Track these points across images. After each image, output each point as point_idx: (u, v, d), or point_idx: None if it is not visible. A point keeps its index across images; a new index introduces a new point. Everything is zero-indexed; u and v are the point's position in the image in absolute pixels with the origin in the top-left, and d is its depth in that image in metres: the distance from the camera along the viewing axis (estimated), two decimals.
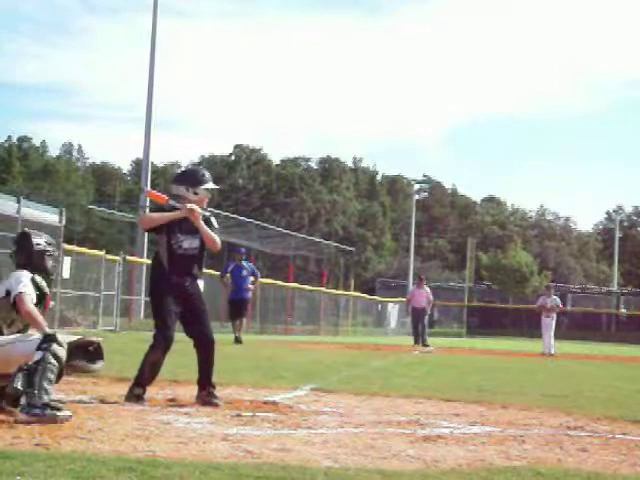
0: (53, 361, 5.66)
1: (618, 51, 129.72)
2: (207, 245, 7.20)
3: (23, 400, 5.50)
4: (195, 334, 7.24)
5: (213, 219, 7.31)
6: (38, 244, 6.30)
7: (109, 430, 5.38)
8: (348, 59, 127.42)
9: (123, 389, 7.23)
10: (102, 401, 6.89)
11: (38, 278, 6.19)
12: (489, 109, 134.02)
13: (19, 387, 5.52)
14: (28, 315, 5.94)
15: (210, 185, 7.32)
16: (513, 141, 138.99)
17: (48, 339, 5.73)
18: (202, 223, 7.10)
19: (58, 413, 5.47)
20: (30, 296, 6.01)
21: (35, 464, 4.03)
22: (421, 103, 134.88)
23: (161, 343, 7.06)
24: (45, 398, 5.51)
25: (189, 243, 7.17)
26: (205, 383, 7.17)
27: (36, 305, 6.06)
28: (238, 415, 6.45)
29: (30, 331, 6.07)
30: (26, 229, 6.69)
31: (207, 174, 7.38)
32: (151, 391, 7.23)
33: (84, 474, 3.90)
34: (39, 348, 5.67)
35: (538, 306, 23.13)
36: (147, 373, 7.06)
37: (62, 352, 5.75)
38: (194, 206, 7.09)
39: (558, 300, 23.21)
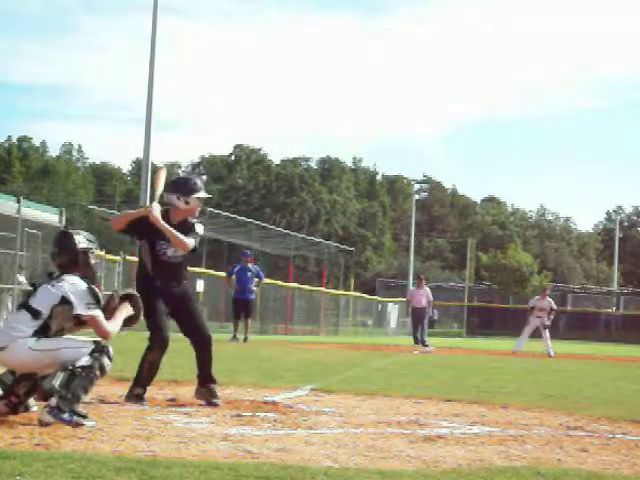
0: (98, 373, 5.65)
1: (618, 52, 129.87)
2: (174, 246, 7.09)
3: (53, 401, 5.46)
4: (190, 332, 7.27)
5: (199, 226, 7.23)
6: (80, 242, 6.04)
7: (109, 430, 5.38)
8: (348, 59, 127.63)
9: (123, 389, 7.23)
10: (102, 401, 6.88)
11: (94, 288, 5.92)
12: (489, 109, 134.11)
13: (56, 386, 5.49)
14: (108, 336, 5.83)
15: (201, 194, 7.20)
16: (513, 141, 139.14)
17: (101, 349, 5.70)
18: (163, 224, 6.97)
19: (84, 422, 5.46)
20: (102, 316, 5.83)
21: (35, 464, 4.03)
22: (421, 103, 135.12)
23: (158, 345, 7.07)
24: (75, 406, 5.49)
25: (173, 251, 7.14)
26: (205, 379, 7.19)
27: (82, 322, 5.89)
28: (238, 415, 6.45)
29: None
30: (66, 228, 6.44)
31: (199, 182, 7.28)
32: (151, 391, 7.23)
33: (84, 474, 3.91)
34: (89, 354, 5.65)
35: (530, 307, 23.25)
36: (145, 374, 7.07)
37: (109, 367, 5.76)
38: (154, 206, 7.03)
39: (552, 302, 23.26)
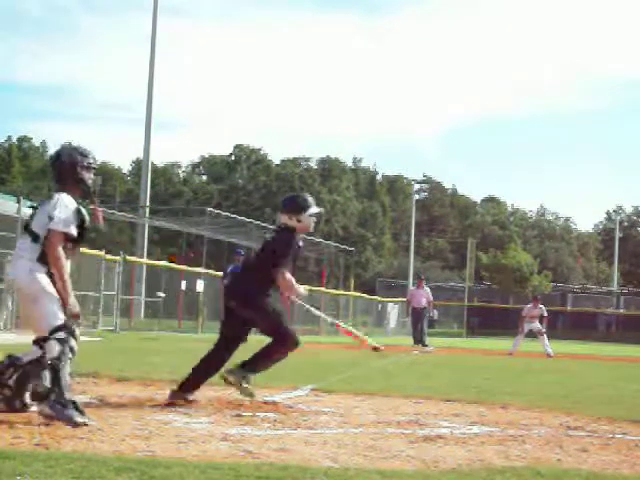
0: (70, 355, 5.71)
1: (618, 51, 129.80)
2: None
3: (49, 398, 5.54)
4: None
5: None
6: (70, 155, 5.83)
7: (109, 430, 5.38)
8: (348, 59, 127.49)
9: (123, 389, 7.23)
10: (102, 401, 6.89)
11: (82, 209, 5.72)
12: (489, 109, 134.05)
13: (48, 386, 5.57)
14: (55, 264, 5.57)
15: (313, 210, 7.36)
16: (513, 141, 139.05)
17: (67, 332, 5.67)
18: None
19: (78, 418, 5.47)
20: (62, 236, 5.58)
21: (35, 464, 4.03)
22: (421, 103, 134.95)
23: (293, 344, 7.40)
24: (68, 395, 5.55)
25: None
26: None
27: (76, 240, 5.70)
28: (238, 415, 6.46)
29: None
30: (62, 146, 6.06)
31: (309, 198, 7.42)
32: (151, 391, 7.23)
33: (84, 474, 3.91)
34: (58, 340, 5.60)
35: (524, 315, 23.34)
36: (265, 368, 7.57)
37: (77, 346, 5.79)
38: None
39: (544, 310, 23.41)
